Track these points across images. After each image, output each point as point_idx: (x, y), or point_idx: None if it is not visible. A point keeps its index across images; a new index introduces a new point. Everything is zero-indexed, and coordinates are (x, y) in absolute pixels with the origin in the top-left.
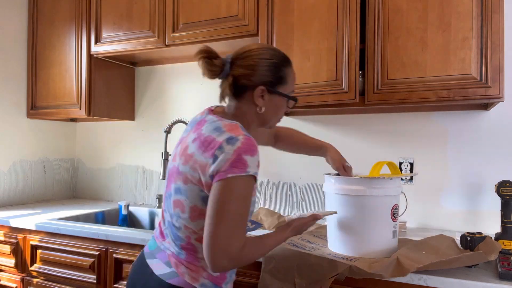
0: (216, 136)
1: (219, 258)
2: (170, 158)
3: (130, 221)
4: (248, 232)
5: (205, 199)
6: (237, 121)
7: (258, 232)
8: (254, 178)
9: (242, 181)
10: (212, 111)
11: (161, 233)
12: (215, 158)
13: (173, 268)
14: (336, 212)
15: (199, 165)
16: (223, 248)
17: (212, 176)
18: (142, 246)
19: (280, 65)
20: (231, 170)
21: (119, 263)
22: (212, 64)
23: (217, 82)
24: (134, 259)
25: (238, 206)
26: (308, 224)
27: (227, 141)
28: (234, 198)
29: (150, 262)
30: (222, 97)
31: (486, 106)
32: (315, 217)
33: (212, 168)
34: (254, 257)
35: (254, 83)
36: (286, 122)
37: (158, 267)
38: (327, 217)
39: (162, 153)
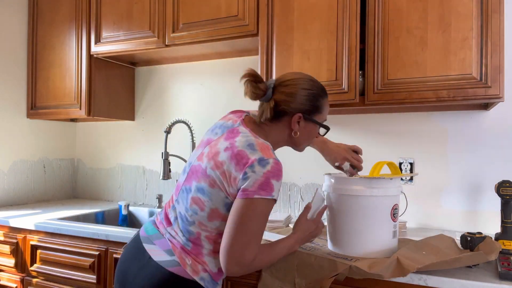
0: (248, 153)
1: (232, 266)
2: (194, 153)
3: (130, 221)
4: None
5: (227, 206)
6: (267, 140)
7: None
8: (275, 201)
9: (265, 203)
10: (243, 120)
11: (167, 219)
12: (244, 174)
13: (175, 257)
14: (316, 190)
15: (229, 175)
16: (237, 258)
17: (238, 190)
18: None
19: (318, 95)
20: (258, 192)
21: None
22: (257, 88)
23: (218, 82)
24: None
25: (258, 224)
26: (313, 235)
27: (258, 162)
28: (256, 217)
29: (148, 247)
30: (260, 117)
31: (486, 106)
32: (307, 208)
33: (240, 183)
34: (263, 266)
35: (293, 110)
36: None
37: (157, 253)
38: (327, 217)
39: (162, 153)
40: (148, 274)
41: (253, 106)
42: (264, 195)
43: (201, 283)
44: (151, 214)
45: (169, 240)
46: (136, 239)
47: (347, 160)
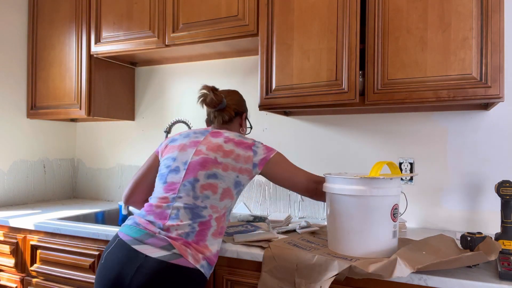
0: (244, 140)
1: (311, 188)
2: (178, 155)
3: None
4: (248, 233)
5: (237, 184)
6: None
7: (258, 234)
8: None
9: (278, 155)
10: (213, 127)
11: (162, 217)
12: (254, 152)
13: (175, 250)
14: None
15: (243, 156)
16: (307, 178)
17: (255, 164)
18: None
19: (245, 100)
20: (269, 153)
21: None
22: (217, 97)
23: (218, 82)
24: None
25: (289, 164)
26: None
27: (254, 141)
28: (284, 163)
29: (140, 247)
30: (222, 121)
31: (486, 106)
32: None
33: (255, 158)
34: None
35: (241, 112)
36: (286, 122)
37: (153, 251)
38: (327, 216)
39: None
40: (149, 270)
41: (254, 105)
42: (274, 152)
43: (201, 270)
44: None
45: (165, 236)
46: (121, 244)
47: None
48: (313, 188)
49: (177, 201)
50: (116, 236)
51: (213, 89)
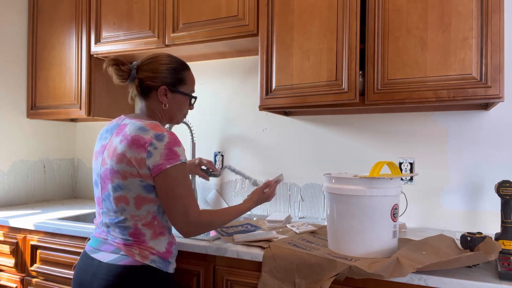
0: (143, 135)
1: (185, 229)
2: (94, 165)
3: None
4: (248, 233)
5: (146, 188)
6: (153, 120)
7: (258, 234)
8: (185, 163)
9: (179, 168)
10: (125, 116)
11: (102, 230)
12: (148, 153)
13: (122, 252)
14: (281, 174)
15: (134, 160)
16: (184, 222)
17: (149, 168)
18: None
19: (178, 68)
20: (168, 161)
21: None
22: (120, 70)
23: (218, 82)
24: None
25: (183, 186)
26: (262, 192)
27: (155, 138)
28: (178, 182)
29: (95, 255)
30: (131, 98)
31: (486, 106)
32: (267, 184)
33: (148, 161)
34: (214, 221)
35: (157, 84)
36: (286, 122)
37: (105, 256)
38: (327, 216)
39: None
40: (102, 275)
41: (254, 105)
42: (174, 162)
43: (153, 265)
44: None
45: (112, 241)
46: (83, 255)
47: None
48: (183, 226)
49: (104, 216)
50: (84, 250)
51: (114, 63)
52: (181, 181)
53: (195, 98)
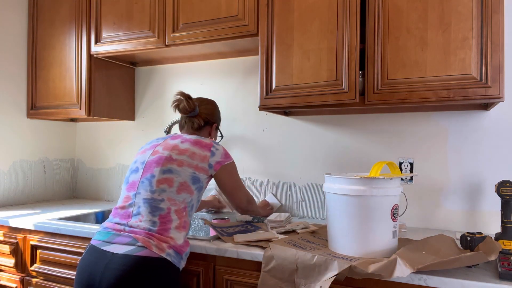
0: (203, 140)
1: (246, 205)
2: (140, 157)
3: None
4: (248, 233)
5: (194, 178)
6: None
7: (258, 234)
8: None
9: (233, 164)
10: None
11: (125, 217)
12: (212, 152)
13: (139, 243)
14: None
15: (198, 155)
16: (246, 201)
17: (211, 165)
18: None
19: (219, 112)
20: (226, 159)
21: None
22: (189, 103)
23: (218, 82)
24: None
25: (237, 177)
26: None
27: (215, 143)
28: (234, 173)
29: (108, 248)
30: (191, 127)
31: (486, 106)
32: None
33: (211, 158)
34: (258, 208)
35: (213, 121)
36: (286, 122)
37: (119, 248)
38: (327, 216)
39: None
40: (117, 265)
41: (254, 105)
42: (229, 160)
43: (168, 258)
44: None
45: (129, 232)
46: (91, 249)
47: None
48: (245, 207)
49: (137, 197)
50: (89, 244)
51: (187, 97)
52: (237, 173)
53: (222, 136)
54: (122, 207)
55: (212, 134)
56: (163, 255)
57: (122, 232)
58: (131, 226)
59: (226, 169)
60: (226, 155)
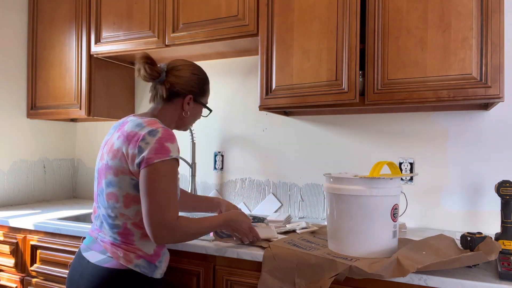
0: (138, 131)
1: (158, 230)
2: (97, 159)
3: None
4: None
5: (136, 186)
6: (156, 118)
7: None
8: (177, 160)
9: (167, 164)
10: (133, 115)
11: (97, 225)
12: (139, 148)
13: (108, 253)
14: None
15: (127, 155)
16: (158, 221)
17: (139, 164)
18: None
19: (204, 80)
20: (156, 156)
21: None
22: (153, 70)
23: (218, 82)
24: None
25: (166, 184)
26: (242, 226)
27: (148, 133)
28: (162, 178)
29: (86, 254)
30: (153, 98)
31: (486, 106)
32: (250, 228)
33: (139, 157)
34: (189, 230)
35: (185, 91)
36: (286, 122)
37: (94, 256)
38: (327, 216)
39: None
40: (88, 276)
41: (254, 105)
42: (162, 157)
43: (137, 269)
44: None
45: (101, 241)
46: (77, 253)
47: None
48: (157, 230)
49: (99, 210)
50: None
51: (146, 61)
52: (166, 177)
53: (211, 110)
54: (93, 215)
55: (185, 109)
56: (131, 266)
57: (97, 239)
58: (101, 236)
59: (153, 167)
60: (160, 150)
